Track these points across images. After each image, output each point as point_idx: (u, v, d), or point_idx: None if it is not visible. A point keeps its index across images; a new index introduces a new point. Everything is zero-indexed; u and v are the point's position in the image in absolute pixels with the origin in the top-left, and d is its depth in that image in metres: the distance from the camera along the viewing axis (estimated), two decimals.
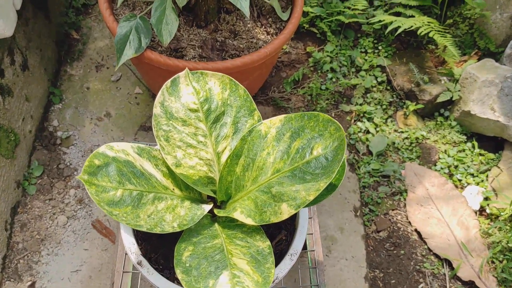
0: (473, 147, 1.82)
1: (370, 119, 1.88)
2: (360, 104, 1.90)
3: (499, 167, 1.76)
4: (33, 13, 1.68)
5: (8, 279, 1.47)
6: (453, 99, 1.84)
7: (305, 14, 1.99)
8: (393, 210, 1.72)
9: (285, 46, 1.99)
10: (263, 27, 1.49)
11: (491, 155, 1.80)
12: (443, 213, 1.70)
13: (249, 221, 0.67)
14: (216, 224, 0.73)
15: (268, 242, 0.67)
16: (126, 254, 1.02)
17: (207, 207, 0.73)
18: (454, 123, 1.86)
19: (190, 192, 0.74)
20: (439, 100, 1.84)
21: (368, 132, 1.86)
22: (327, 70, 1.93)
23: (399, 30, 1.85)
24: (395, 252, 1.64)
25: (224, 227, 0.72)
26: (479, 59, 1.96)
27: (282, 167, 0.69)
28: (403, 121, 1.90)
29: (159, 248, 0.80)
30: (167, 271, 0.77)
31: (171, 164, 0.70)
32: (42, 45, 1.74)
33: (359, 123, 1.86)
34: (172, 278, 0.76)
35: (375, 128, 1.86)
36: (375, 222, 1.69)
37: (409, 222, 1.70)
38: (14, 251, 1.51)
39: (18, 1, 1.40)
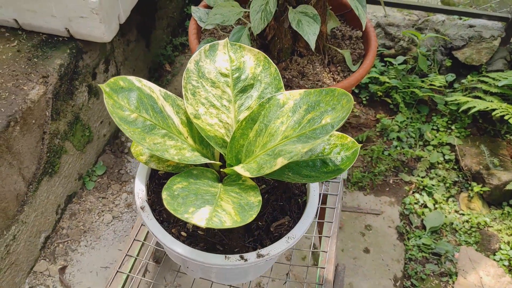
0: None
1: (430, 194, 1.80)
2: (422, 177, 1.84)
3: None
4: (136, 38, 1.91)
5: (44, 258, 1.55)
6: None
7: (381, 83, 2.03)
8: None
9: (356, 110, 2.03)
10: (331, 73, 1.56)
11: None
12: None
13: (246, 174, 0.69)
14: (218, 182, 0.75)
15: (260, 198, 0.68)
16: (142, 225, 1.06)
17: (214, 162, 0.76)
18: None
19: (203, 147, 0.78)
20: (508, 187, 1.72)
21: (425, 206, 1.77)
22: (393, 138, 1.92)
23: (473, 110, 1.81)
24: None
25: (225, 185, 0.74)
26: None
27: (290, 134, 0.71)
28: (466, 203, 1.79)
29: None
30: (166, 223, 0.79)
31: (190, 113, 0.75)
32: (136, 66, 1.95)
33: (417, 195, 1.79)
34: (169, 231, 0.78)
35: (434, 204, 1.78)
36: None
37: None
38: (58, 234, 1.60)
39: (123, 16, 1.62)
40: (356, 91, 2.06)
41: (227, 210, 0.64)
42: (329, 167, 0.75)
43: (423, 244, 1.67)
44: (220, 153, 0.79)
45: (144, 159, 0.78)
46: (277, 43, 1.52)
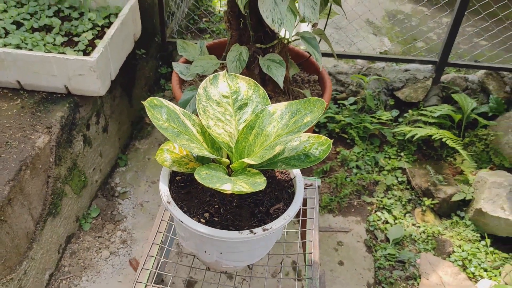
0: (487, 245, 1.93)
1: (389, 211, 2.07)
2: (381, 198, 2.11)
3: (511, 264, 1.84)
4: (121, 94, 2.15)
5: None
6: (467, 199, 2.01)
7: (337, 121, 2.34)
8: None
9: None
10: None
11: (505, 254, 1.89)
12: None
13: (253, 162, 0.92)
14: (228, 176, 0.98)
15: (264, 178, 0.90)
16: (148, 255, 1.24)
17: (224, 160, 0.99)
18: (469, 223, 2.01)
19: (214, 150, 1.01)
20: (454, 199, 2.02)
21: (387, 222, 2.03)
22: (353, 167, 2.20)
23: (416, 136, 2.14)
24: None
25: (234, 176, 0.97)
26: None
27: (281, 133, 0.96)
28: (421, 217, 2.06)
29: (184, 200, 1.04)
30: (188, 214, 1.00)
31: (205, 124, 0.99)
32: (121, 120, 2.17)
33: (378, 213, 2.05)
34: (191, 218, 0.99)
35: (394, 220, 2.04)
36: None
37: None
38: (60, 272, 1.73)
39: (113, 73, 1.86)
40: (317, 130, 2.36)
41: (242, 185, 0.87)
42: (311, 158, 1.00)
43: (388, 254, 1.91)
44: (227, 155, 1.02)
45: (168, 164, 1.00)
46: None
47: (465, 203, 2.07)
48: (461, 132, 2.32)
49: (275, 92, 1.88)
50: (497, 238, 1.95)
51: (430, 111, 2.32)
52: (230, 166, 1.00)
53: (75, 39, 1.83)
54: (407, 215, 2.06)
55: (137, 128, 2.33)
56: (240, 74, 1.73)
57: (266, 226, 0.97)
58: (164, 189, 1.02)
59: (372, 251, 1.92)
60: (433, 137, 2.12)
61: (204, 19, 3.05)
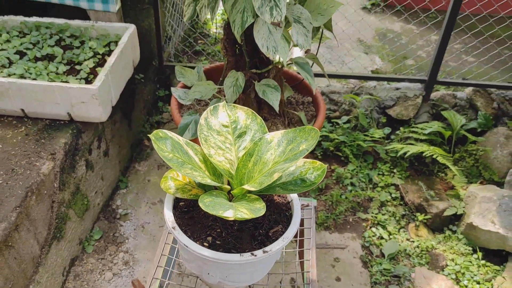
0: (479, 258, 1.99)
1: (384, 227, 2.13)
2: (376, 214, 2.17)
3: (503, 277, 1.90)
4: (120, 119, 2.21)
5: None
6: (458, 213, 2.08)
7: (331, 140, 2.41)
8: None
9: None
10: None
11: (496, 267, 1.95)
12: None
13: (253, 189, 0.99)
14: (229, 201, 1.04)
15: (264, 204, 0.96)
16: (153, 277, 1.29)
17: (225, 187, 1.05)
18: (461, 236, 2.07)
19: (215, 177, 1.07)
20: (446, 214, 2.08)
21: (382, 238, 2.09)
22: (348, 184, 2.26)
23: (408, 154, 2.21)
24: None
25: (235, 202, 1.03)
26: None
27: (279, 160, 1.03)
28: (415, 232, 2.13)
29: (188, 225, 1.10)
30: (192, 238, 1.06)
31: (207, 153, 1.05)
32: (121, 143, 2.23)
33: (373, 229, 2.11)
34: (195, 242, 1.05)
35: (389, 235, 2.10)
36: None
37: None
38: None
39: (114, 99, 1.93)
40: (312, 148, 2.42)
41: (243, 211, 0.93)
42: (307, 183, 1.06)
43: (384, 269, 1.97)
44: (228, 181, 1.08)
45: (172, 191, 1.06)
46: None
47: (456, 218, 2.13)
48: (451, 148, 2.40)
49: (271, 115, 1.95)
50: (488, 251, 2.01)
51: (421, 128, 2.40)
52: (231, 192, 1.06)
53: (77, 67, 1.89)
54: (401, 230, 2.12)
55: (137, 151, 2.39)
56: (237, 98, 1.80)
57: (266, 249, 1.03)
58: (168, 215, 1.08)
59: (368, 267, 1.98)
60: (424, 154, 2.19)
61: (199, 41, 3.14)
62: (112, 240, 1.98)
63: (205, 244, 1.06)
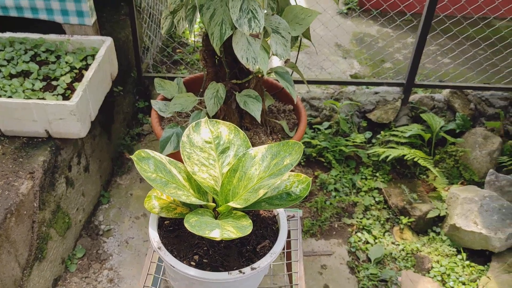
0: (463, 259, 2.01)
1: (369, 232, 2.14)
2: (360, 219, 2.18)
3: (487, 277, 1.92)
4: (100, 132, 2.18)
5: None
6: (441, 215, 2.10)
7: (314, 146, 2.42)
8: None
9: (296, 170, 2.38)
10: (274, 140, 1.91)
11: (480, 267, 1.98)
12: None
13: (238, 206, 0.97)
14: (215, 219, 1.03)
15: (250, 221, 0.96)
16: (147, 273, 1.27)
17: (211, 204, 1.04)
18: (445, 238, 2.09)
19: (200, 195, 1.06)
20: (429, 216, 2.11)
21: (367, 242, 2.10)
22: (332, 190, 2.27)
23: (390, 157, 2.23)
24: None
25: (221, 219, 1.02)
26: None
27: (263, 176, 1.02)
28: (399, 235, 2.14)
29: (174, 244, 1.08)
30: (178, 258, 1.04)
31: (190, 171, 1.04)
32: (102, 157, 2.20)
33: (359, 234, 2.12)
34: (181, 262, 1.03)
35: (374, 240, 2.11)
36: None
37: None
38: None
39: (93, 114, 1.90)
40: None
41: (230, 230, 0.92)
42: (292, 197, 1.06)
43: (371, 274, 1.97)
44: (213, 198, 1.07)
45: (156, 211, 1.05)
46: (227, 121, 1.86)
47: (440, 219, 2.16)
48: (431, 150, 2.42)
49: (253, 124, 1.94)
50: (472, 251, 2.04)
51: (401, 131, 2.42)
52: (216, 209, 1.05)
53: (54, 83, 1.86)
54: (386, 234, 2.14)
55: (118, 164, 2.36)
56: (218, 109, 1.78)
57: (254, 265, 1.02)
58: (153, 235, 1.06)
59: (355, 272, 1.99)
60: (405, 157, 2.21)
61: (178, 51, 3.12)
62: (96, 257, 1.94)
63: (192, 263, 1.04)
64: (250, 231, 0.92)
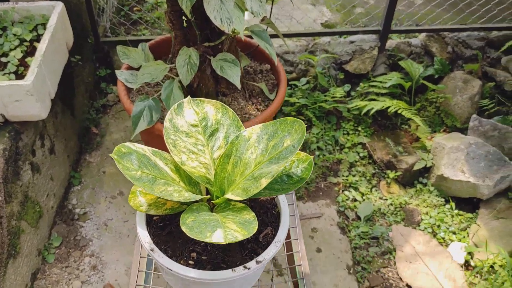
0: (452, 208, 2.00)
1: (356, 189, 2.09)
2: (346, 176, 2.12)
3: (477, 224, 1.92)
4: (62, 109, 1.99)
5: None
6: (428, 166, 2.07)
7: (292, 104, 2.31)
8: (384, 267, 1.84)
9: None
10: (254, 105, 1.78)
11: (469, 215, 1.97)
12: (431, 267, 1.82)
13: (237, 198, 0.87)
14: (211, 212, 0.92)
15: (253, 214, 0.85)
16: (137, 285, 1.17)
17: (205, 197, 0.93)
18: (432, 188, 2.06)
19: (192, 187, 0.94)
20: (416, 168, 2.06)
21: (355, 200, 2.05)
22: (314, 148, 2.19)
23: (372, 111, 2.15)
24: None
25: (219, 212, 0.91)
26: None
27: (262, 160, 0.90)
28: (387, 189, 2.10)
29: (167, 242, 0.97)
30: (174, 258, 0.94)
31: (178, 161, 0.91)
32: (67, 135, 2.02)
33: (346, 192, 2.07)
34: (178, 262, 0.93)
35: (362, 197, 2.06)
36: (368, 279, 1.81)
37: (400, 278, 1.81)
38: None
39: (52, 91, 1.71)
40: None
41: (233, 228, 0.81)
42: (294, 179, 0.95)
43: (362, 232, 1.94)
44: (206, 188, 0.96)
45: (144, 208, 0.93)
46: (202, 88, 1.72)
47: (426, 170, 2.12)
48: (411, 98, 2.36)
49: (230, 89, 1.80)
50: (460, 199, 2.03)
51: (381, 82, 2.33)
52: (211, 201, 0.94)
53: (3, 59, 1.65)
54: (373, 189, 2.09)
55: (85, 141, 2.19)
56: (192, 77, 1.63)
57: (259, 258, 0.93)
58: (144, 235, 0.95)
59: (346, 232, 1.94)
60: (389, 110, 2.14)
61: (135, 9, 2.87)
62: (74, 244, 1.82)
63: (190, 262, 0.94)
64: (256, 227, 0.81)
